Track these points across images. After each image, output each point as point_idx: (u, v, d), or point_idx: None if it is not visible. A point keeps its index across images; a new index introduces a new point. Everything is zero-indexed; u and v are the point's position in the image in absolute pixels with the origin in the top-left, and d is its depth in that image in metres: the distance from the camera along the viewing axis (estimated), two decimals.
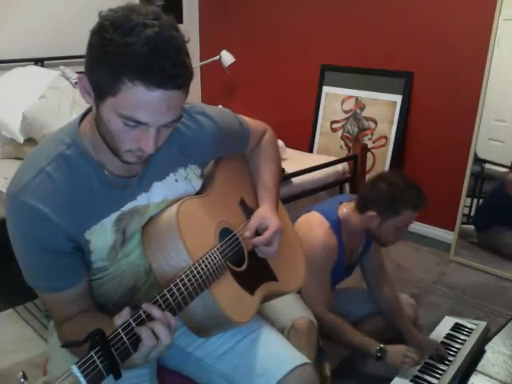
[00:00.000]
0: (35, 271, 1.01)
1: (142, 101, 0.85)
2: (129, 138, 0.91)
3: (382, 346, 1.71)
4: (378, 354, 1.69)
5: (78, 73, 0.94)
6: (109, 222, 1.02)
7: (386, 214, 1.70)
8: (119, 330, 0.82)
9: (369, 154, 3.07)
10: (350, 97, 3.43)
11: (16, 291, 1.93)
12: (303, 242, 1.70)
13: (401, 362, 1.67)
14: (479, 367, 1.36)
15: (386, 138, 3.27)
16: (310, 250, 1.70)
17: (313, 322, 1.62)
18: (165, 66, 0.83)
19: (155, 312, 0.86)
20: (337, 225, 1.77)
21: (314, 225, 1.76)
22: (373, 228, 1.75)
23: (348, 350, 1.93)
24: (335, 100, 3.51)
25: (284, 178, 2.41)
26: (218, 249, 1.08)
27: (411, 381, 1.65)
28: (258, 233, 1.21)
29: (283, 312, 1.63)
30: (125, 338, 0.82)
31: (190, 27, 4.18)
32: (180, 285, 0.94)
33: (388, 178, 1.75)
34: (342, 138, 3.49)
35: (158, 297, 0.90)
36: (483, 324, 1.92)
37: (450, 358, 1.75)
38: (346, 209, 1.81)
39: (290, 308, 1.66)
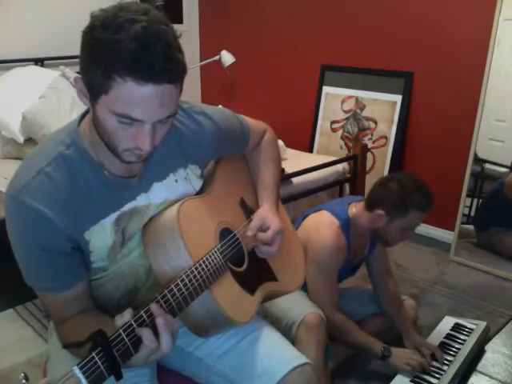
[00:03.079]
0: (35, 271, 1.01)
1: (134, 97, 0.85)
2: (125, 136, 0.90)
3: (387, 346, 1.72)
4: (385, 353, 1.71)
5: (78, 73, 0.94)
6: (108, 222, 1.02)
7: (394, 213, 1.72)
8: (120, 330, 0.82)
9: (369, 154, 3.07)
10: (350, 97, 3.43)
11: (16, 291, 1.93)
12: (312, 242, 1.72)
13: (405, 364, 1.68)
14: (479, 367, 1.36)
15: (386, 138, 3.27)
16: (320, 250, 1.71)
17: (323, 317, 1.65)
18: (154, 60, 0.83)
19: (161, 317, 0.86)
20: (346, 224, 1.79)
21: (323, 225, 1.77)
22: (380, 227, 1.77)
23: (348, 350, 1.93)
24: (335, 100, 3.51)
25: (284, 177, 2.41)
26: (218, 249, 1.08)
27: (411, 381, 1.65)
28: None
29: (293, 307, 1.65)
30: (126, 339, 0.82)
31: (190, 27, 4.18)
32: (181, 285, 0.94)
33: (399, 178, 1.77)
34: (342, 138, 3.49)
35: (158, 297, 0.90)
36: (483, 324, 1.92)
37: (450, 358, 1.75)
38: (355, 208, 1.83)
39: (301, 303, 1.68)
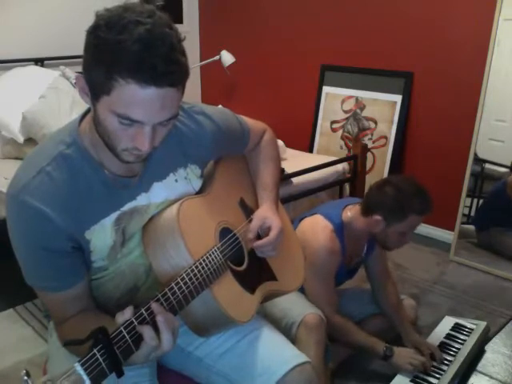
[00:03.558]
0: (35, 271, 1.01)
1: (135, 98, 0.85)
2: (125, 136, 0.91)
3: (389, 345, 1.72)
4: (387, 353, 1.70)
5: (79, 73, 0.95)
6: (108, 221, 1.02)
7: (392, 218, 1.70)
8: (121, 328, 0.82)
9: (369, 154, 3.07)
10: (350, 97, 3.43)
11: (16, 291, 1.93)
12: (307, 246, 1.72)
13: (407, 364, 1.68)
14: (479, 367, 1.36)
15: (385, 138, 3.27)
16: (314, 254, 1.71)
17: (322, 317, 1.65)
18: (156, 63, 0.83)
19: (161, 315, 0.86)
20: (340, 228, 1.78)
21: (317, 229, 1.76)
22: (378, 232, 1.75)
23: (348, 350, 1.93)
24: (335, 100, 3.51)
25: (284, 177, 2.41)
26: (218, 248, 1.08)
27: (411, 381, 1.65)
28: (258, 233, 1.21)
29: (293, 308, 1.66)
30: (127, 337, 0.82)
31: (190, 27, 4.18)
32: (181, 283, 0.94)
33: (394, 182, 1.74)
34: (342, 138, 3.49)
35: (159, 295, 0.90)
36: (483, 324, 1.92)
37: (450, 358, 1.75)
38: (350, 212, 1.81)
39: (300, 304, 1.68)
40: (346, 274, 1.92)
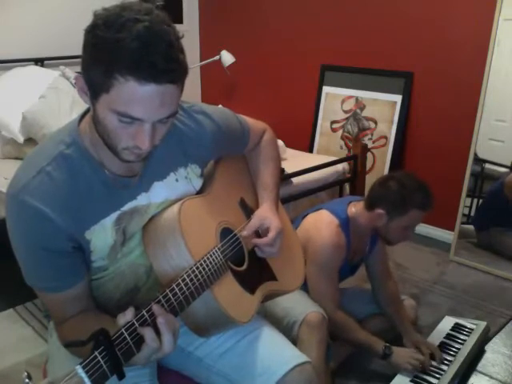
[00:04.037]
0: (35, 271, 1.01)
1: (135, 96, 0.85)
2: (125, 135, 0.91)
3: (388, 345, 1.72)
4: (386, 352, 1.71)
5: (78, 73, 0.95)
6: (109, 221, 1.02)
7: (394, 212, 1.73)
8: (123, 329, 0.82)
9: (369, 154, 3.07)
10: (350, 97, 3.43)
11: (16, 291, 1.93)
12: (311, 242, 1.72)
13: (406, 363, 1.68)
14: (479, 367, 1.36)
15: (385, 138, 3.27)
16: (320, 249, 1.72)
17: (324, 316, 1.65)
18: (155, 59, 0.83)
19: (162, 316, 0.86)
20: (346, 223, 1.79)
21: (323, 224, 1.78)
22: (380, 226, 1.77)
23: (349, 350, 1.93)
24: (335, 100, 3.51)
25: (284, 177, 2.41)
26: (219, 248, 1.08)
27: (411, 381, 1.65)
28: (258, 233, 1.21)
29: (295, 306, 1.66)
30: (128, 338, 0.82)
31: (190, 27, 4.18)
32: (182, 284, 0.94)
33: (398, 177, 1.78)
34: (342, 138, 3.49)
35: (160, 296, 0.90)
36: (483, 324, 1.92)
37: (450, 358, 1.75)
38: (355, 208, 1.84)
39: (302, 302, 1.68)
40: (348, 270, 1.93)
